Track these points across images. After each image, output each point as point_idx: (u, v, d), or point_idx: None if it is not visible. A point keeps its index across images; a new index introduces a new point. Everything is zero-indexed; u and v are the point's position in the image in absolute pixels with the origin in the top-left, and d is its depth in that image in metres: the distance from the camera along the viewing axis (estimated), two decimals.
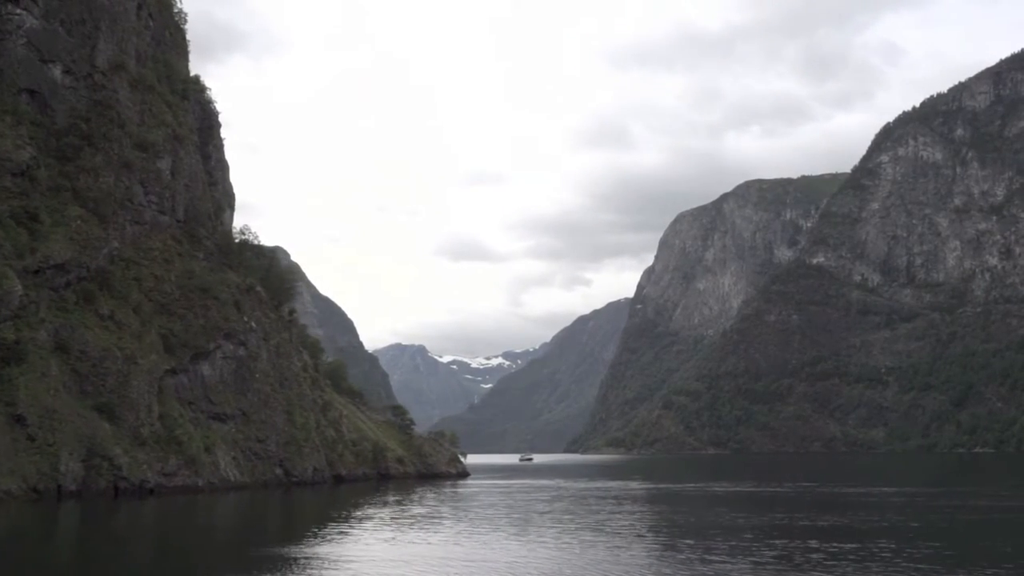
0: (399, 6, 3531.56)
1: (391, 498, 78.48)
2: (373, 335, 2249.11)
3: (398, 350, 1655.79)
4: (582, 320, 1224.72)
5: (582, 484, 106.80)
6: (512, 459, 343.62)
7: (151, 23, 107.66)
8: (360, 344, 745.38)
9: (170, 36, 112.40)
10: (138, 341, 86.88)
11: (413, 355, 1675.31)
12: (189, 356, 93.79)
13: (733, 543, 41.11)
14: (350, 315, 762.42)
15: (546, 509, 63.92)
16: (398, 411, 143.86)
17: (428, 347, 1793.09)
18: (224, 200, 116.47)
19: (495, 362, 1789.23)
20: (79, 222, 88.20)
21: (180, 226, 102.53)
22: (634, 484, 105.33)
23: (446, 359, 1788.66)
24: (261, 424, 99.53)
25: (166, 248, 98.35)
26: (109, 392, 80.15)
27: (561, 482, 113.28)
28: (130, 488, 75.94)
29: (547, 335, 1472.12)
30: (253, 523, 60.61)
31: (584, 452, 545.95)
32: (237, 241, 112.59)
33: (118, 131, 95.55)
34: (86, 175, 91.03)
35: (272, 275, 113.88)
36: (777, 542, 40.94)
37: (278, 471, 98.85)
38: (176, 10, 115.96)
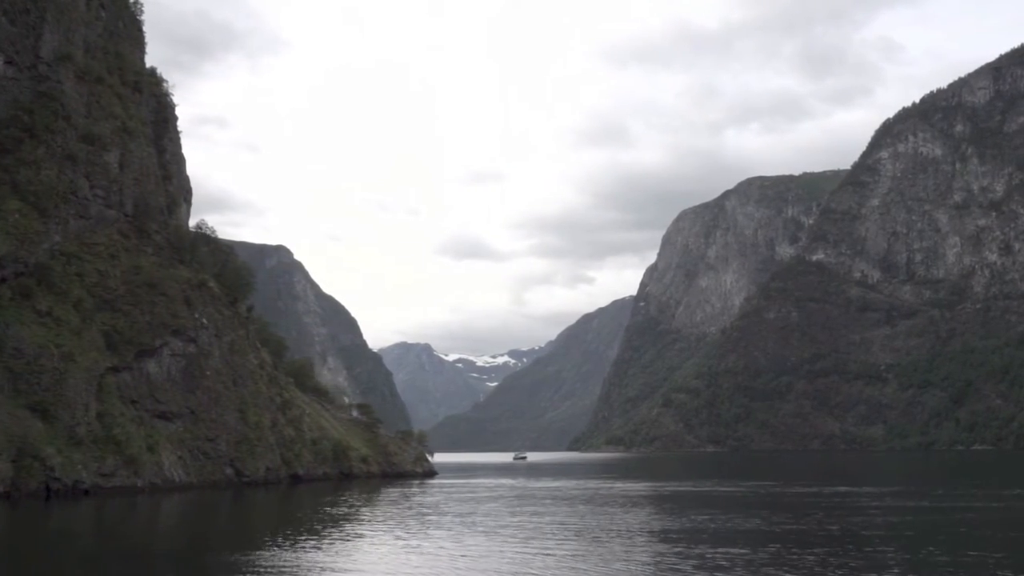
0: (398, 4, 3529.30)
1: (325, 499, 76.22)
2: (378, 334, 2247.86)
3: (403, 348, 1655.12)
4: (587, 318, 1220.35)
5: (541, 484, 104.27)
6: (507, 457, 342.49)
7: (102, 14, 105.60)
8: (364, 343, 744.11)
9: (123, 27, 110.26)
10: (77, 338, 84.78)
11: (419, 354, 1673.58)
12: (134, 353, 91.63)
13: (626, 547, 38.79)
14: (354, 314, 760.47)
15: (470, 511, 61.54)
16: (364, 409, 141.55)
17: (433, 346, 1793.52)
18: (179, 194, 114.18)
19: (500, 360, 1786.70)
20: (17, 216, 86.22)
21: (128, 220, 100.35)
22: (592, 484, 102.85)
23: (451, 357, 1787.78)
24: (211, 423, 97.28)
25: (112, 243, 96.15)
26: (44, 391, 78.07)
27: (522, 482, 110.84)
28: (64, 489, 73.89)
29: (552, 333, 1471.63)
30: (170, 526, 58.36)
31: (584, 450, 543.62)
32: (191, 236, 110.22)
33: (62, 123, 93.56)
34: (27, 168, 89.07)
35: (228, 271, 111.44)
36: (664, 546, 38.56)
37: (228, 471, 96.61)
38: (132, 1, 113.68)
